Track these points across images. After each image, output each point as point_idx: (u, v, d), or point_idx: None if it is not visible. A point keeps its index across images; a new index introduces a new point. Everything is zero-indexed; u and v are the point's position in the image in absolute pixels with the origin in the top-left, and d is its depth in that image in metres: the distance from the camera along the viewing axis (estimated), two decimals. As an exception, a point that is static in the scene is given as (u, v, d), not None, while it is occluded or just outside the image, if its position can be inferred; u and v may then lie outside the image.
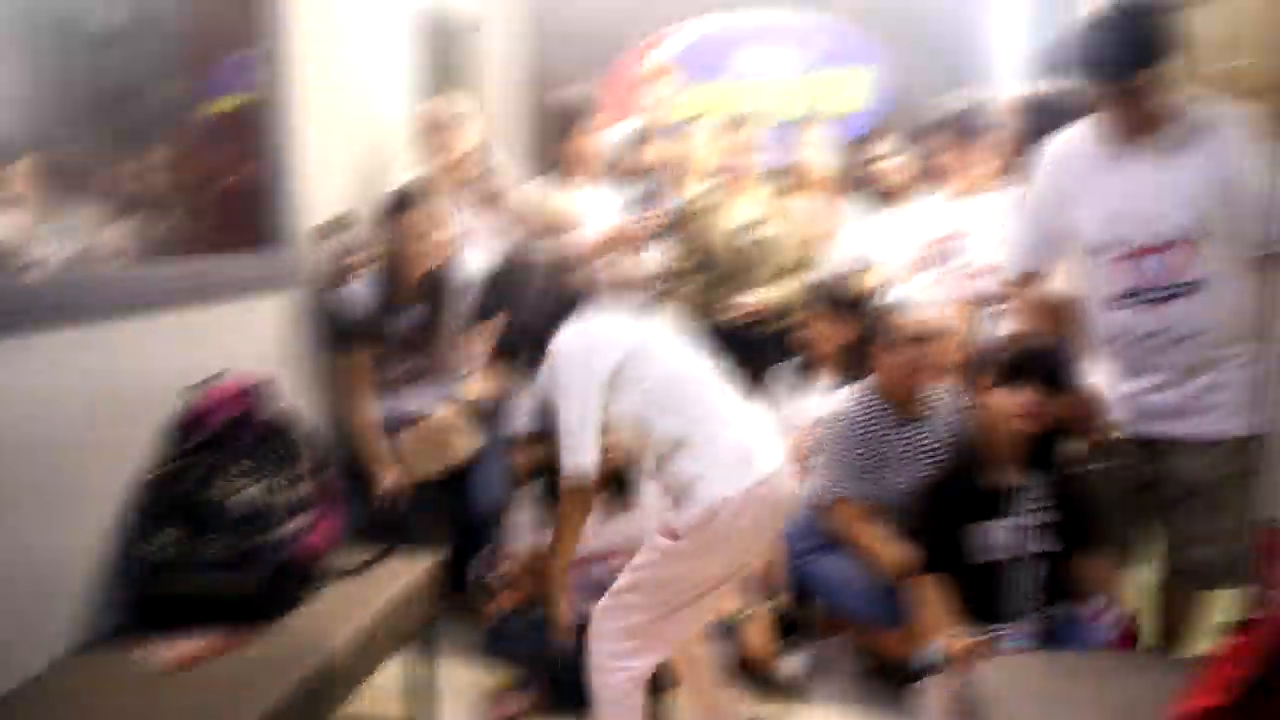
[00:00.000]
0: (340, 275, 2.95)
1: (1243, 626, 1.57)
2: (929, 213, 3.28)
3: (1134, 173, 2.24)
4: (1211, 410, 2.24)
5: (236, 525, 2.16)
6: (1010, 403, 2.34)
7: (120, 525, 2.13)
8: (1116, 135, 2.25)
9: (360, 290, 2.93)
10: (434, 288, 2.98)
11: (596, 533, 2.57)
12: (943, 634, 2.26)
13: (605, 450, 2.17)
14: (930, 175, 3.38)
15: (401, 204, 2.90)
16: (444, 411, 3.06)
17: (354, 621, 2.17)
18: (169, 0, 2.60)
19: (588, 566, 2.65)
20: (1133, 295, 2.27)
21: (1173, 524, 2.34)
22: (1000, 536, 2.35)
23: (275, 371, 2.64)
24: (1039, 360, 2.35)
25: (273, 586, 2.15)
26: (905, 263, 3.38)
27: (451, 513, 3.14)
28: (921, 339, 2.70)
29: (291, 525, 2.24)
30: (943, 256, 3.17)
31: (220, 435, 2.26)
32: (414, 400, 3.02)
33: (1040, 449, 2.38)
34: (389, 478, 2.93)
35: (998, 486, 2.37)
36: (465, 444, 3.06)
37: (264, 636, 2.08)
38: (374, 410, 2.95)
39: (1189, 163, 2.17)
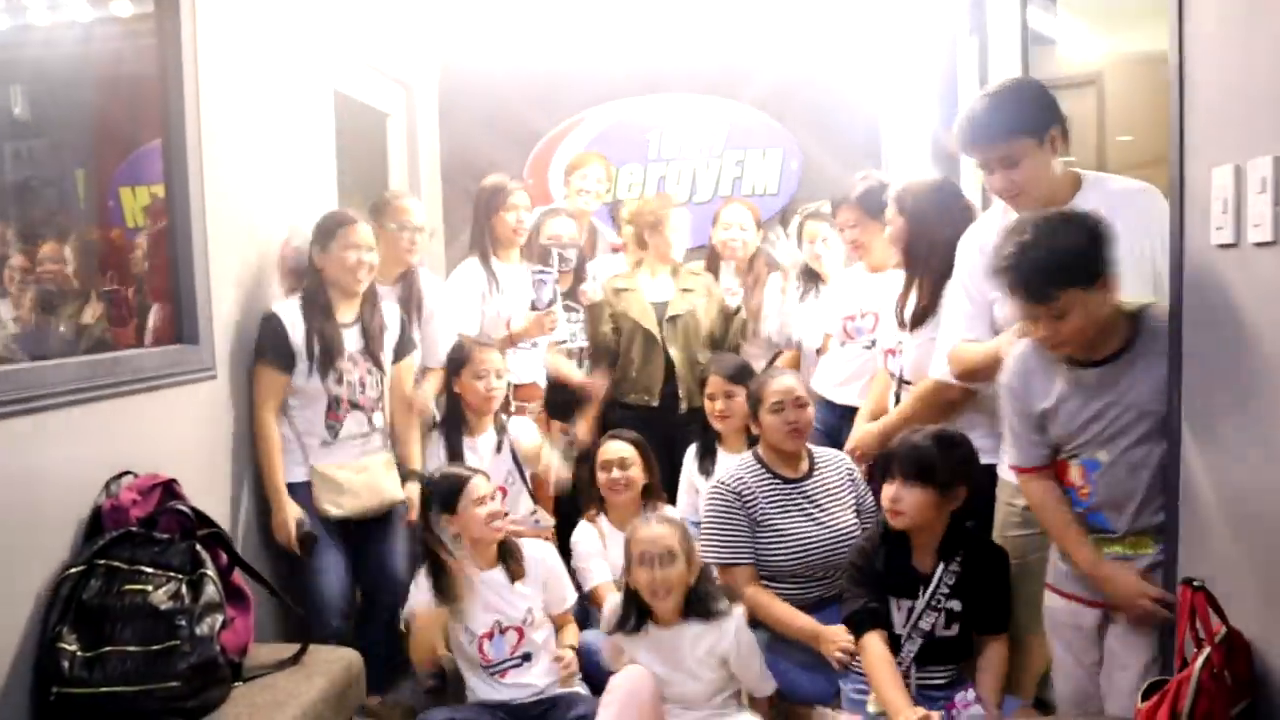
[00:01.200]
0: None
1: (1160, 688, 1.61)
2: (846, 287, 3.37)
3: None
4: None
5: (149, 626, 2.08)
6: (882, 497, 2.40)
7: (32, 626, 2.04)
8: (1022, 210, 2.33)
9: (287, 307, 2.90)
10: (367, 309, 3.01)
11: None
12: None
13: None
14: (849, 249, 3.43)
15: (336, 220, 2.93)
16: (378, 458, 3.03)
17: (275, 722, 2.10)
18: (81, 91, 2.59)
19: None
20: None
21: None
22: (908, 617, 2.38)
23: (190, 465, 2.57)
24: (893, 456, 2.39)
25: (188, 689, 2.06)
26: (822, 337, 3.46)
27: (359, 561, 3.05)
28: (794, 404, 2.81)
29: (205, 624, 2.16)
30: (857, 331, 3.25)
31: (133, 534, 2.19)
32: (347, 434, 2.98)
33: (954, 537, 2.41)
34: (285, 516, 2.82)
35: (917, 570, 2.41)
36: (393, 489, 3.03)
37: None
38: (276, 437, 2.85)
39: None
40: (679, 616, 2.57)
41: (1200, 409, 1.80)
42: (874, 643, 2.34)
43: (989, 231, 2.43)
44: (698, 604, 2.57)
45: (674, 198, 4.39)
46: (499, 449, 3.33)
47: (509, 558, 2.85)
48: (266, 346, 2.87)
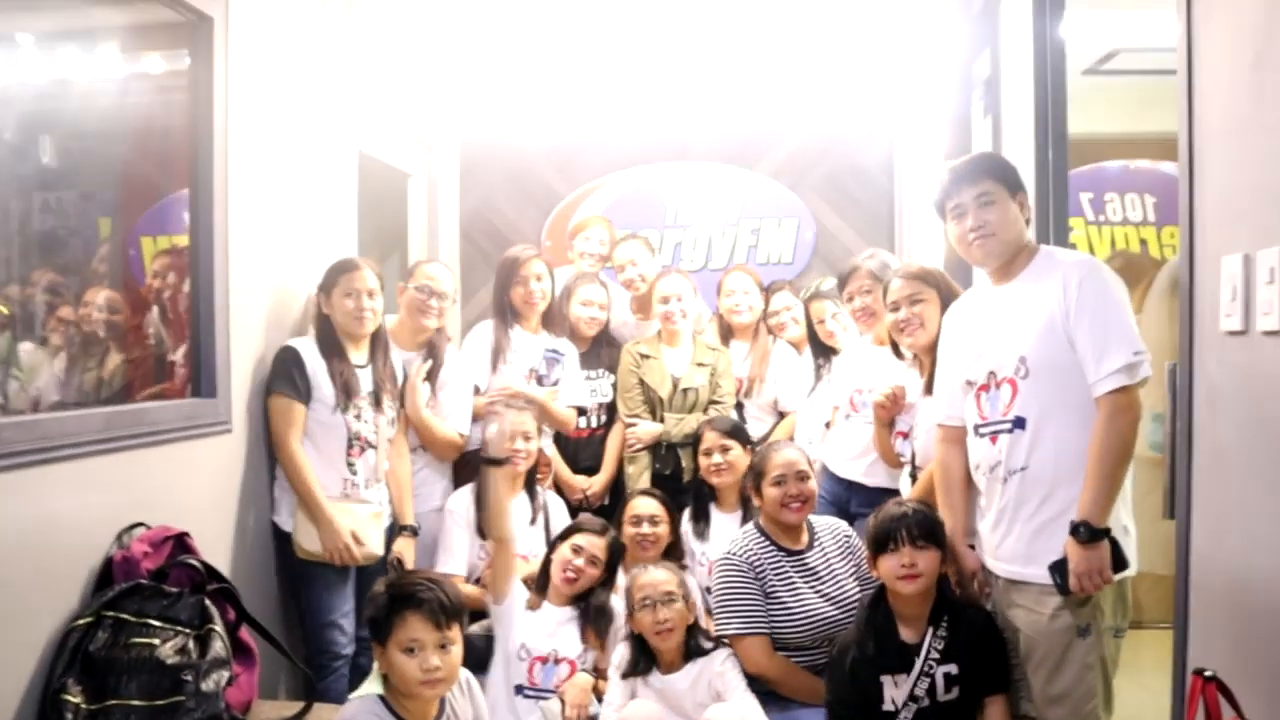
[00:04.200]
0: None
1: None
2: (854, 361, 3.37)
3: (989, 311, 2.38)
4: (1044, 555, 2.17)
5: (154, 681, 2.07)
6: (888, 568, 2.39)
7: (37, 677, 2.03)
8: (990, 276, 2.40)
9: (303, 343, 2.94)
10: (378, 354, 3.06)
11: None
12: None
13: None
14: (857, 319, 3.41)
15: (339, 268, 2.97)
16: (366, 507, 2.97)
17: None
18: (108, 142, 2.64)
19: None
20: (976, 428, 2.36)
21: (1024, 678, 2.30)
22: (905, 689, 2.37)
23: (203, 518, 2.58)
24: (900, 522, 2.39)
25: (192, 745, 2.05)
26: (830, 410, 3.46)
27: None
28: (795, 477, 2.84)
29: (211, 680, 2.15)
30: (863, 405, 3.25)
31: (142, 586, 2.19)
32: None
33: (940, 604, 2.41)
34: (335, 525, 2.83)
35: (905, 642, 2.40)
36: (372, 544, 2.95)
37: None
38: (305, 458, 2.85)
39: (1025, 303, 2.26)
40: (681, 661, 2.72)
41: (1210, 495, 1.80)
42: None
43: (968, 309, 2.49)
44: (694, 646, 2.74)
45: (682, 268, 4.41)
46: (533, 521, 3.28)
47: (596, 620, 2.91)
48: (283, 376, 2.87)
